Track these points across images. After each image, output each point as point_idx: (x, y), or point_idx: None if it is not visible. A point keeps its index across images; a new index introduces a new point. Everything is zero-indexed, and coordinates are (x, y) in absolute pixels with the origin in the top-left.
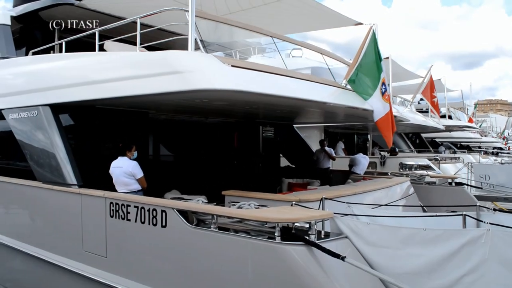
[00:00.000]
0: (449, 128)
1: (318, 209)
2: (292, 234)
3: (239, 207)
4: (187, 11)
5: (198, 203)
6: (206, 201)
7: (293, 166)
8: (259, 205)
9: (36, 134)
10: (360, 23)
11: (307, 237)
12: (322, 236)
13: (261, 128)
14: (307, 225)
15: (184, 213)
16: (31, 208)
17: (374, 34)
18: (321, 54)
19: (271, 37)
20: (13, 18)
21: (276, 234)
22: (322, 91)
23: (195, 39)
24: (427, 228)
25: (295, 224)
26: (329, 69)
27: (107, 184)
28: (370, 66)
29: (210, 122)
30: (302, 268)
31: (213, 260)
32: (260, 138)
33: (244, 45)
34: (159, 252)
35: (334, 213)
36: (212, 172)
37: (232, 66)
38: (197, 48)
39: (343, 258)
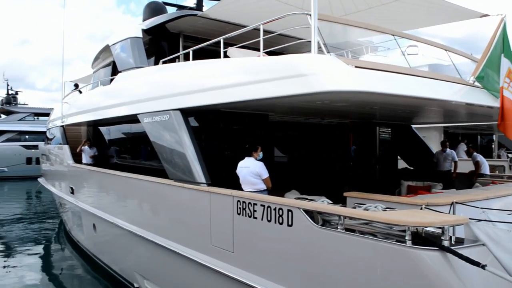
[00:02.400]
0: None
1: (449, 213)
2: (423, 238)
3: (366, 209)
4: (309, 14)
5: (323, 204)
6: (331, 202)
7: (411, 168)
8: (386, 208)
9: (168, 136)
10: (486, 15)
11: (441, 243)
12: (453, 242)
13: (378, 128)
14: (439, 230)
15: (309, 213)
16: (164, 203)
17: (505, 25)
18: (445, 50)
19: (392, 35)
20: (143, 31)
21: (406, 238)
22: (448, 89)
23: (317, 41)
24: None
25: (424, 228)
26: (454, 65)
27: (233, 183)
28: (499, 61)
29: (325, 123)
30: (436, 274)
31: (339, 261)
32: (377, 139)
33: (356, 45)
34: (284, 250)
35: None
36: (328, 173)
37: (356, 66)
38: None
39: (483, 267)
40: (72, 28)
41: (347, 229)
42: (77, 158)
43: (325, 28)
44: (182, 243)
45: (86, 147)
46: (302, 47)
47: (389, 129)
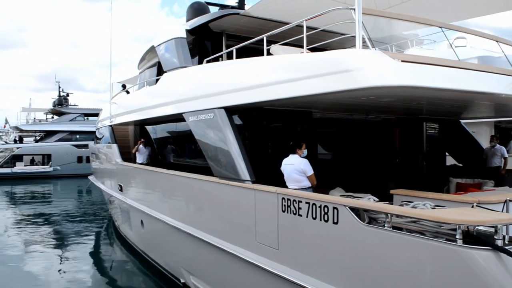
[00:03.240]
0: None
1: (502, 212)
2: (475, 237)
3: (414, 207)
4: (353, 9)
5: (369, 201)
6: (377, 199)
7: (460, 165)
8: (435, 206)
9: (212, 134)
10: None
11: (494, 242)
12: (507, 242)
13: (425, 124)
14: (491, 229)
15: (355, 211)
16: (209, 200)
17: None
18: (496, 41)
19: (439, 27)
20: (187, 31)
21: (457, 237)
22: (500, 82)
23: (362, 36)
24: None
25: (476, 227)
26: (506, 57)
27: (277, 180)
28: None
29: (369, 119)
30: (489, 275)
31: (386, 259)
32: (424, 135)
33: (400, 38)
34: (329, 248)
35: None
36: (373, 170)
37: (402, 61)
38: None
39: None
40: (118, 31)
41: (394, 227)
42: (125, 156)
43: (368, 22)
44: (227, 239)
45: (141, 146)
46: (345, 42)
47: (437, 125)
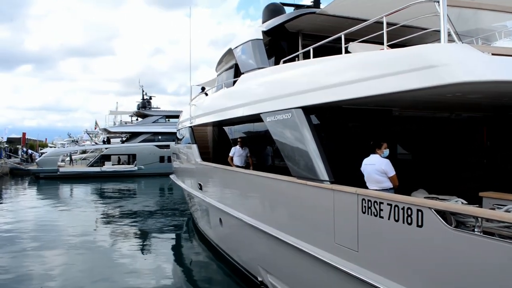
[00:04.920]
0: None
1: None
2: None
3: (507, 211)
4: (437, 1)
5: (457, 204)
6: (466, 202)
7: None
8: None
9: (290, 134)
10: None
11: None
12: None
13: None
14: None
15: (441, 214)
16: (287, 200)
17: None
18: None
19: None
20: (263, 32)
21: None
22: None
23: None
24: None
25: None
26: None
27: (356, 181)
28: None
29: (453, 117)
30: None
31: (475, 266)
32: None
33: (487, 31)
34: (412, 252)
35: None
36: (458, 171)
37: (493, 54)
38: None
39: None
40: (197, 35)
41: (484, 232)
42: (204, 156)
43: (453, 14)
44: (305, 240)
45: (238, 147)
46: (427, 37)
47: None
